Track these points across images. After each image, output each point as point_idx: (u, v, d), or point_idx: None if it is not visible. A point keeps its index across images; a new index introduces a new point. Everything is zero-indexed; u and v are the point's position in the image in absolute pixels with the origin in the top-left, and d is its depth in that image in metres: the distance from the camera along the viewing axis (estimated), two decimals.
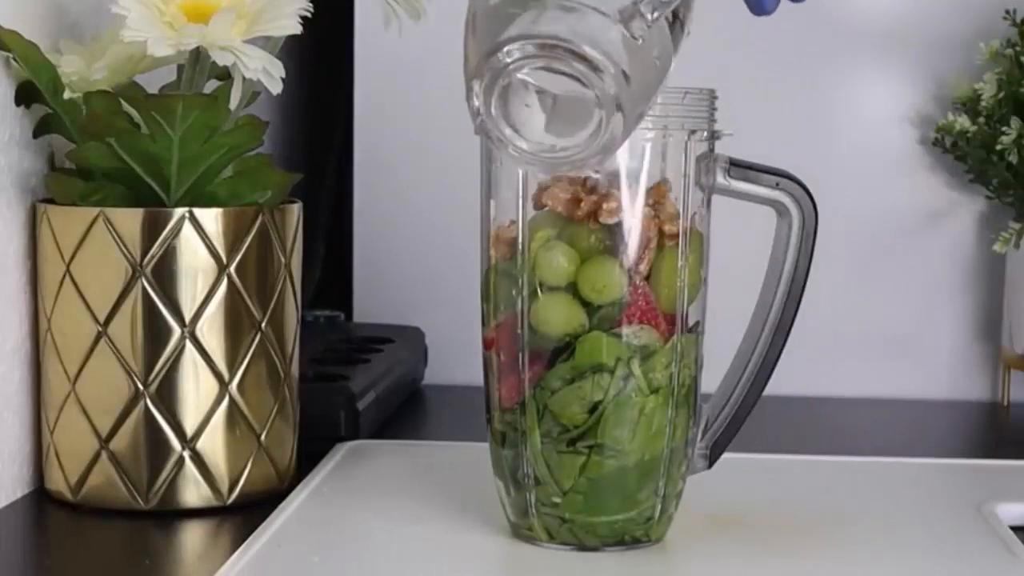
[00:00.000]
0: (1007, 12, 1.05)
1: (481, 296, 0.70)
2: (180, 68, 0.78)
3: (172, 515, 0.75)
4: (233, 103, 0.74)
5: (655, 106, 0.65)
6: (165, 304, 0.74)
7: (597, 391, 0.66)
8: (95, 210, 0.74)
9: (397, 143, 1.14)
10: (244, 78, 0.73)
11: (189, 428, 0.75)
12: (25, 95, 0.77)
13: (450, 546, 0.70)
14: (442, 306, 1.12)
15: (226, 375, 0.76)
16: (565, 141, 0.60)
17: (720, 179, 0.68)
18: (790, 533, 0.72)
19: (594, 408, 0.67)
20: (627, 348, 0.66)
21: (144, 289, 0.74)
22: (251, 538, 0.70)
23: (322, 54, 1.24)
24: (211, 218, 0.75)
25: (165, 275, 0.74)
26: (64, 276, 0.75)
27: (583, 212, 0.66)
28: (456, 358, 1.07)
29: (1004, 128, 1.02)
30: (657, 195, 0.67)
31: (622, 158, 0.66)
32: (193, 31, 0.71)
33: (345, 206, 1.17)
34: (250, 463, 0.77)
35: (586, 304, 0.66)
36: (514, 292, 0.67)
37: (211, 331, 0.75)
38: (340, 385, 0.91)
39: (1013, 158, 1.02)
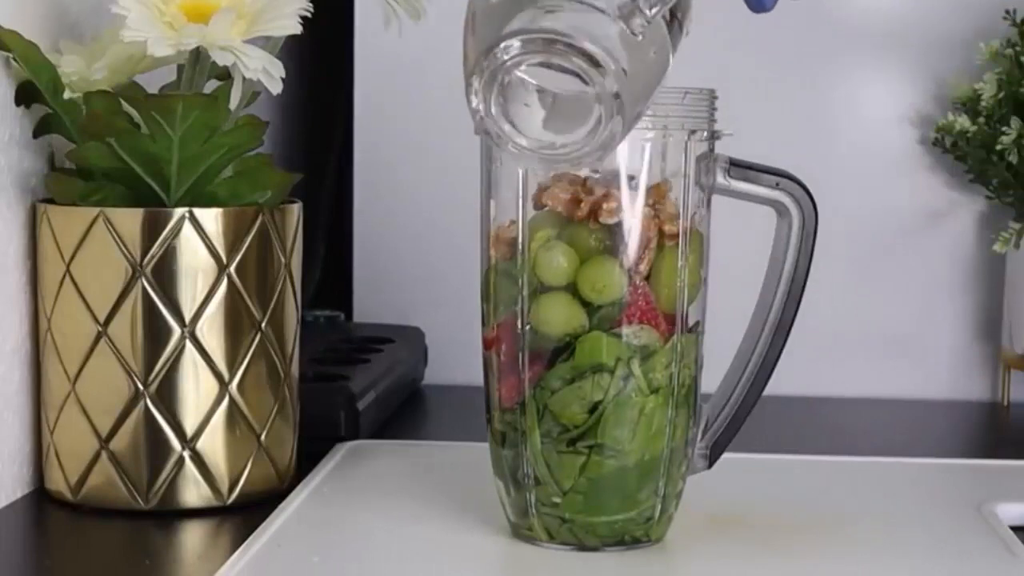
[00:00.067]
0: (1007, 12, 1.05)
1: (481, 296, 0.70)
2: (180, 68, 0.78)
3: (172, 515, 0.75)
4: (233, 103, 0.74)
5: (655, 106, 0.65)
6: (165, 304, 0.74)
7: (597, 391, 0.66)
8: (95, 210, 0.74)
9: (397, 143, 1.14)
10: (244, 78, 0.73)
11: (189, 428, 0.75)
12: (25, 95, 0.77)
13: (450, 546, 0.70)
14: (442, 306, 1.12)
15: (226, 375, 0.76)
16: (564, 138, 0.60)
17: (720, 179, 0.68)
18: (790, 533, 0.72)
19: (594, 408, 0.67)
20: (627, 348, 0.66)
21: (144, 289, 0.74)
22: (251, 538, 0.70)
23: (322, 54, 1.24)
24: (211, 218, 0.75)
25: (165, 275, 0.74)
26: (64, 276, 0.75)
27: (583, 212, 0.66)
28: (456, 358, 1.07)
29: (1004, 128, 1.02)
30: (657, 195, 0.67)
31: (622, 158, 0.66)
32: (193, 31, 0.71)
33: (345, 206, 1.17)
34: (250, 463, 0.77)
35: (586, 304, 0.66)
36: (514, 292, 0.67)
37: (211, 331, 0.75)
38: (340, 385, 0.91)
39: (1013, 158, 1.02)
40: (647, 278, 0.67)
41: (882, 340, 1.12)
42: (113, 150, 0.74)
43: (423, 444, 0.92)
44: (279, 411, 0.78)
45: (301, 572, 0.67)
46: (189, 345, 0.75)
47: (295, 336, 0.80)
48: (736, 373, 0.71)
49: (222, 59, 0.72)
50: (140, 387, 0.75)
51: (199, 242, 0.75)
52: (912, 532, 0.74)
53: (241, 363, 0.76)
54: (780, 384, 0.73)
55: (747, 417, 0.71)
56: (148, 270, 0.74)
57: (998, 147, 1.03)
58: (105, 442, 0.75)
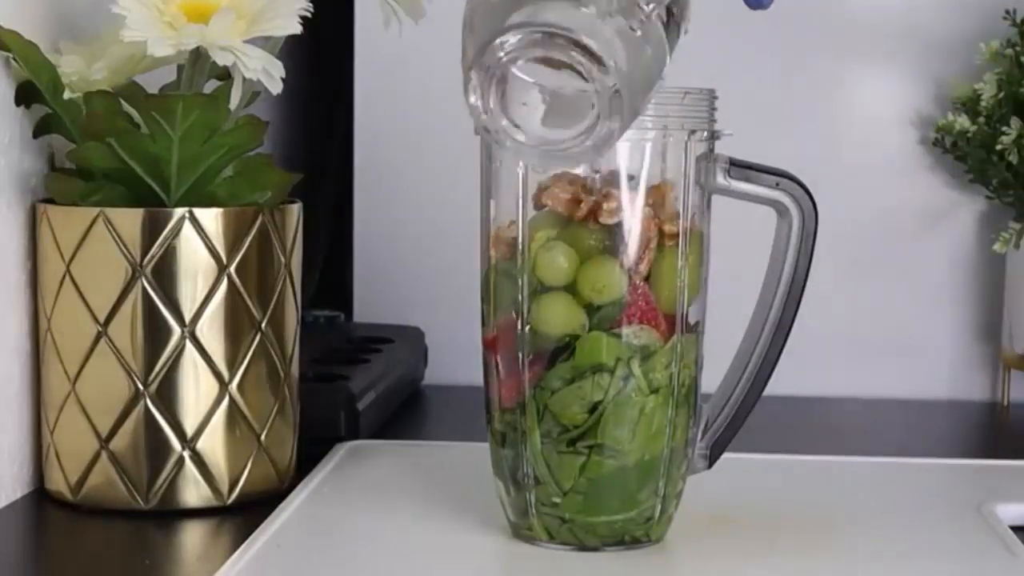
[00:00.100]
0: (1007, 12, 1.05)
1: (481, 296, 0.70)
2: (180, 68, 0.78)
3: (172, 515, 0.75)
4: (233, 103, 0.74)
5: (655, 106, 0.65)
6: (165, 304, 0.74)
7: (597, 391, 0.66)
8: (95, 210, 0.74)
9: (397, 143, 1.14)
10: (244, 78, 0.73)
11: (189, 428, 0.75)
12: (25, 95, 0.77)
13: (450, 546, 0.70)
14: (442, 306, 1.12)
15: (226, 375, 0.76)
16: (562, 134, 0.60)
17: (720, 179, 0.68)
18: (790, 533, 0.72)
19: (594, 408, 0.67)
20: (627, 348, 0.66)
21: (144, 289, 0.74)
22: (251, 538, 0.70)
23: (322, 54, 1.24)
24: (211, 218, 0.75)
25: (165, 275, 0.74)
26: (64, 276, 0.75)
27: (583, 212, 0.66)
28: (456, 358, 1.07)
29: (1004, 128, 1.02)
30: (657, 195, 0.67)
31: (622, 158, 0.66)
32: (193, 31, 0.71)
33: (345, 206, 1.17)
34: (250, 463, 0.77)
35: (586, 304, 0.66)
36: (514, 292, 0.67)
37: (211, 331, 0.75)
38: (340, 385, 0.91)
39: (1013, 158, 1.02)
40: (647, 278, 0.67)
41: (882, 340, 1.12)
42: (113, 150, 0.74)
43: (423, 444, 0.92)
44: (279, 411, 0.78)
45: (301, 572, 0.67)
46: (189, 345, 0.75)
47: (295, 336, 0.80)
48: (736, 373, 0.71)
49: (222, 59, 0.72)
50: (140, 387, 0.75)
51: (199, 242, 0.75)
52: (912, 532, 0.74)
53: (241, 363, 0.76)
54: (780, 384, 0.73)
55: (747, 417, 0.71)
56: (148, 270, 0.74)
57: (998, 147, 1.03)
58: (105, 442, 0.75)
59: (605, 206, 0.66)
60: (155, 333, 0.74)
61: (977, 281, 1.12)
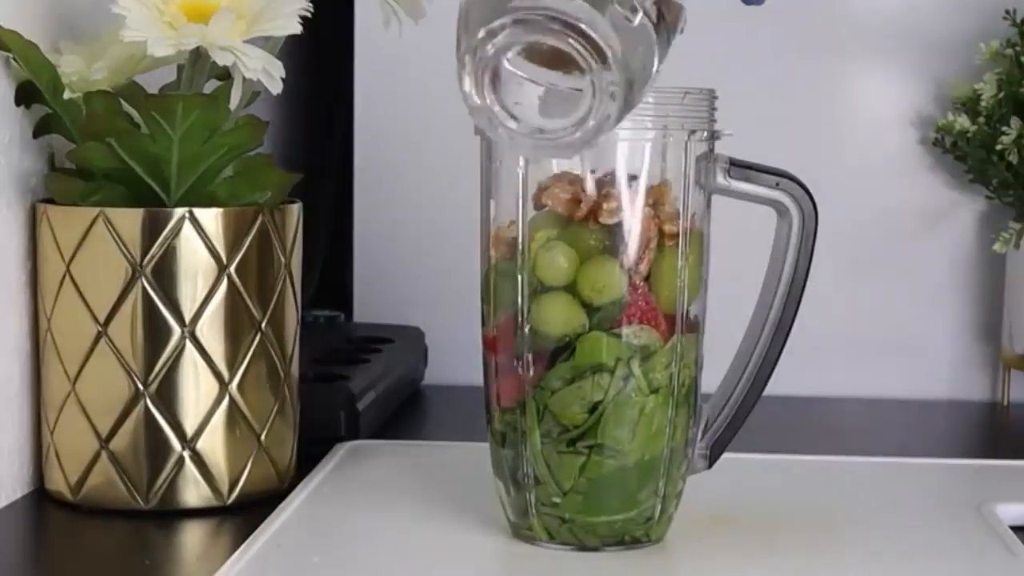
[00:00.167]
0: (1007, 12, 1.05)
1: (481, 296, 0.70)
2: (180, 68, 0.78)
3: (172, 515, 0.75)
4: (233, 103, 0.74)
5: (655, 106, 0.65)
6: (165, 304, 0.74)
7: (597, 391, 0.66)
8: (95, 210, 0.74)
9: (397, 143, 1.14)
10: (244, 78, 0.73)
11: (189, 428, 0.75)
12: (25, 95, 0.77)
13: (450, 546, 0.70)
14: (442, 306, 1.12)
15: (226, 375, 0.76)
16: (555, 123, 0.60)
17: (720, 179, 0.68)
18: (790, 533, 0.72)
19: (594, 408, 0.67)
20: (627, 348, 0.66)
21: (144, 289, 0.74)
22: (251, 538, 0.70)
23: (322, 54, 1.24)
24: (211, 218, 0.75)
25: (165, 275, 0.74)
26: (64, 276, 0.75)
27: (583, 212, 0.66)
28: (456, 358, 1.07)
29: (1004, 128, 1.02)
30: (657, 195, 0.67)
31: (622, 158, 0.66)
32: (193, 31, 0.71)
33: (345, 206, 1.17)
34: (250, 463, 0.77)
35: (586, 304, 0.66)
36: (514, 292, 0.67)
37: (211, 331, 0.75)
38: (340, 385, 0.91)
39: (1013, 158, 1.02)
40: (647, 278, 0.67)
41: (882, 340, 1.12)
42: (113, 150, 0.74)
43: (423, 444, 0.92)
44: (279, 411, 0.78)
45: (301, 572, 0.67)
46: (189, 345, 0.75)
47: (295, 336, 0.80)
48: (736, 373, 0.71)
49: (222, 59, 0.72)
50: (140, 387, 0.75)
51: (199, 242, 0.75)
52: (912, 532, 0.74)
53: (241, 363, 0.76)
54: (780, 384, 0.73)
55: (747, 417, 0.71)
56: (148, 270, 0.74)
57: (998, 147, 1.03)
58: (105, 442, 0.75)
59: (605, 206, 0.66)
60: (155, 333, 0.74)
61: (977, 281, 1.12)
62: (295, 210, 0.80)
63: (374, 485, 0.80)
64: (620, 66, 0.59)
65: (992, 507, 0.77)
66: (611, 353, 0.66)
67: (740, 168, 0.68)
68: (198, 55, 0.75)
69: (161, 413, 0.75)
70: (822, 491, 0.82)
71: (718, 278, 0.70)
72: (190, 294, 0.75)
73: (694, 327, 0.69)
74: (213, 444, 0.76)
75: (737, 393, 0.71)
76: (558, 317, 0.67)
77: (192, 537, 0.74)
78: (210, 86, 0.76)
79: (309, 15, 0.74)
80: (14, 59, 0.76)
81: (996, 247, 1.04)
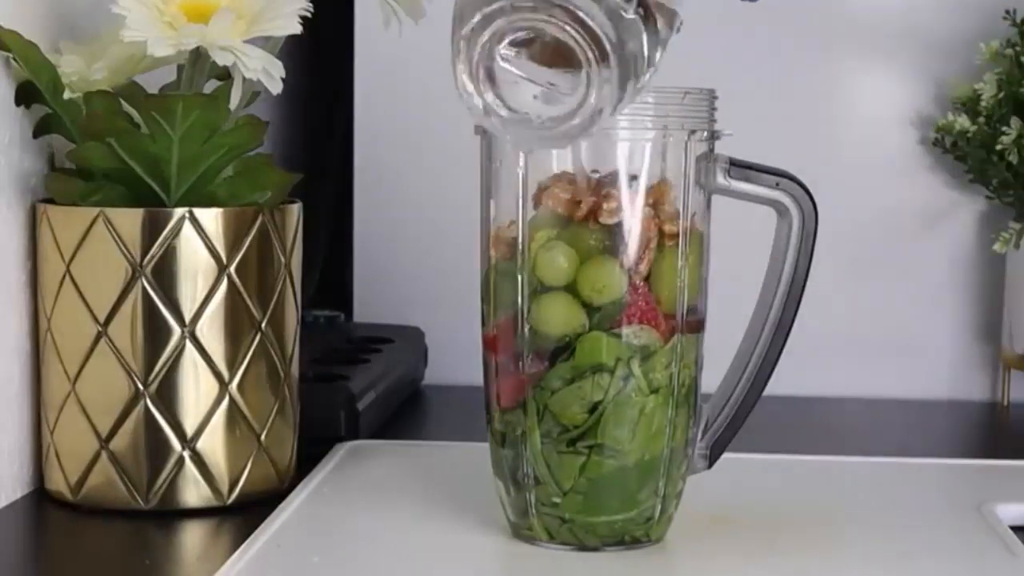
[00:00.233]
0: (1007, 12, 1.05)
1: (481, 296, 0.70)
2: (180, 68, 0.78)
3: (172, 515, 0.75)
4: (233, 103, 0.74)
5: (655, 106, 0.65)
6: (165, 304, 0.74)
7: (597, 391, 0.66)
8: (95, 210, 0.74)
9: (397, 143, 1.14)
10: (244, 78, 0.73)
11: (189, 428, 0.75)
12: (25, 95, 0.77)
13: (450, 546, 0.70)
14: (442, 306, 1.12)
15: (226, 375, 0.76)
16: (549, 111, 0.60)
17: (720, 179, 0.68)
18: (790, 533, 0.72)
19: (594, 408, 0.67)
20: (627, 348, 0.66)
21: (144, 289, 0.74)
22: (251, 538, 0.70)
23: (322, 54, 1.24)
24: (211, 218, 0.75)
25: (165, 275, 0.74)
26: (64, 276, 0.75)
27: (583, 212, 0.66)
28: (456, 358, 1.07)
29: (1004, 128, 1.02)
30: (657, 195, 0.67)
31: (622, 158, 0.66)
32: (193, 31, 0.71)
33: (345, 206, 1.17)
34: (250, 463, 0.77)
35: (586, 304, 0.66)
36: (514, 292, 0.67)
37: (211, 331, 0.75)
38: (340, 385, 0.91)
39: (1013, 158, 1.02)
40: (647, 278, 0.67)
41: (882, 340, 1.12)
42: (113, 150, 0.74)
43: (423, 444, 0.92)
44: (279, 411, 0.78)
45: (301, 572, 0.67)
46: (189, 345, 0.75)
47: (295, 336, 0.80)
48: (736, 373, 0.71)
49: (222, 59, 0.72)
50: (140, 387, 0.75)
51: (199, 242, 0.75)
52: (912, 532, 0.74)
53: (241, 363, 0.76)
54: (780, 384, 0.73)
55: (747, 417, 0.71)
56: (148, 270, 0.74)
57: (998, 147, 1.03)
58: (105, 442, 0.75)
59: (605, 206, 0.66)
60: (155, 333, 0.74)
61: (977, 281, 1.12)
62: (295, 210, 0.80)
63: (374, 485, 0.80)
64: (616, 56, 0.59)
65: (992, 507, 0.77)
66: (611, 353, 0.66)
67: (740, 168, 0.68)
68: (198, 55, 0.75)
69: (161, 413, 0.75)
70: (822, 491, 0.82)
71: (718, 278, 0.70)
72: (190, 294, 0.75)
73: (694, 327, 0.69)
74: (213, 444, 0.76)
75: (737, 393, 0.71)
76: (558, 317, 0.67)
77: (192, 537, 0.74)
78: (210, 86, 0.76)
79: (309, 15, 0.74)
80: (14, 59, 0.76)
81: (996, 247, 1.04)
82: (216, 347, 0.75)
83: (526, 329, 0.67)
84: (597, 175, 0.66)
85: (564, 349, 0.67)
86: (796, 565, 0.68)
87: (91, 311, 0.75)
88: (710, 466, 0.72)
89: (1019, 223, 1.04)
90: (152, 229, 0.74)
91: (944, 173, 1.11)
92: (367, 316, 1.15)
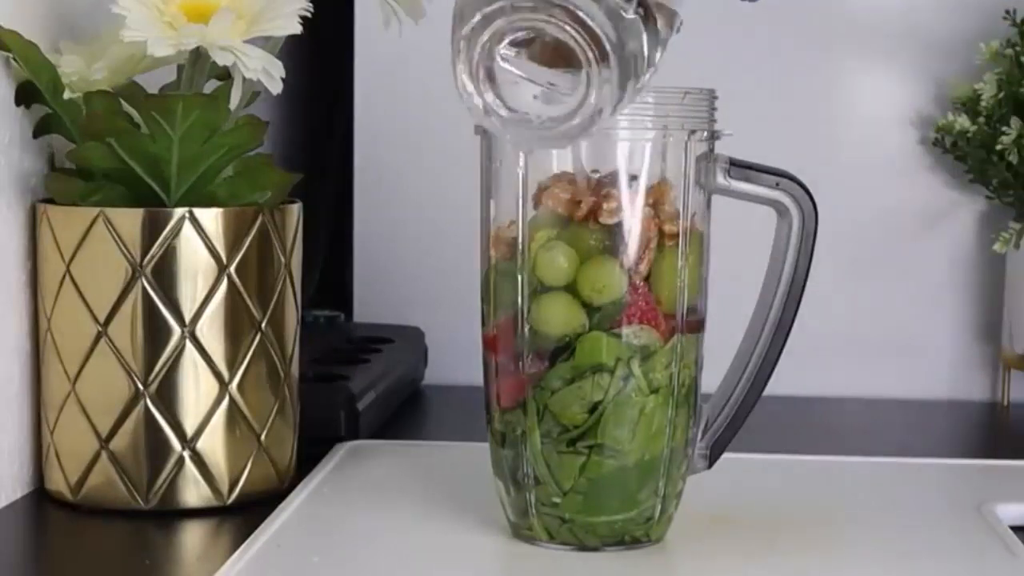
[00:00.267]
0: (1007, 12, 1.05)
1: (481, 296, 0.70)
2: (180, 68, 0.78)
3: (172, 515, 0.75)
4: (233, 103, 0.74)
5: (655, 106, 0.65)
6: (165, 304, 0.74)
7: (597, 391, 0.66)
8: (95, 210, 0.74)
9: (397, 143, 1.14)
10: (244, 78, 0.73)
11: (189, 428, 0.75)
12: (25, 95, 0.77)
13: (450, 546, 0.70)
14: (442, 306, 1.12)
15: (226, 375, 0.76)
16: (549, 111, 0.60)
17: (720, 179, 0.68)
18: (790, 533, 0.72)
19: (594, 408, 0.67)
20: (627, 348, 0.66)
21: (144, 289, 0.74)
22: (251, 538, 0.70)
23: (322, 54, 1.24)
24: (211, 218, 0.75)
25: (165, 275, 0.74)
26: (64, 276, 0.75)
27: (583, 212, 0.66)
28: (456, 358, 1.07)
29: (1004, 128, 1.02)
30: (657, 195, 0.67)
31: (622, 158, 0.66)
32: (193, 31, 0.71)
33: (345, 206, 1.17)
34: (250, 463, 0.77)
35: (586, 304, 0.66)
36: (514, 292, 0.67)
37: (211, 331, 0.75)
38: (340, 385, 0.91)
39: (1013, 158, 1.02)
40: (647, 278, 0.67)
41: (882, 340, 1.12)
42: (113, 150, 0.74)
43: (423, 444, 0.92)
44: (279, 411, 0.78)
45: (301, 572, 0.67)
46: (189, 345, 0.75)
47: (295, 336, 0.80)
48: (736, 373, 0.71)
49: (222, 59, 0.72)
50: (140, 387, 0.75)
51: (199, 242, 0.75)
52: (912, 532, 0.74)
53: (241, 363, 0.76)
54: (780, 384, 0.73)
55: (747, 417, 0.71)
56: (148, 270, 0.74)
57: (998, 147, 1.03)
58: (105, 442, 0.75)
59: (605, 206, 0.66)
60: (155, 333, 0.74)
61: (977, 281, 1.12)
62: (295, 210, 0.80)
63: (374, 485, 0.80)
64: (616, 56, 0.59)
65: (992, 507, 0.77)
66: (611, 353, 0.66)
67: (740, 168, 0.68)
68: (198, 55, 0.75)
69: (161, 413, 0.75)
70: (822, 491, 0.82)
71: (718, 278, 0.70)
72: (190, 294, 0.75)
73: (694, 327, 0.69)
74: (213, 444, 0.76)
75: (737, 393, 0.71)
76: (558, 317, 0.67)
77: (192, 537, 0.74)
78: (210, 86, 0.76)
79: (309, 15, 0.74)
80: (14, 59, 0.76)
81: (996, 247, 1.04)
82: (216, 347, 0.75)
83: (526, 329, 0.67)
84: (597, 175, 0.66)
85: (564, 349, 0.67)
86: (796, 565, 0.68)
87: (91, 311, 0.75)
88: (710, 466, 0.72)
89: (1019, 223, 1.04)
90: (152, 229, 0.74)
91: (944, 173, 1.11)
92: (367, 316, 1.15)
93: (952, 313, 1.12)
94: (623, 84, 0.60)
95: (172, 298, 0.74)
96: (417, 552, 0.70)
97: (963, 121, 1.05)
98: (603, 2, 0.59)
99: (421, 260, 1.14)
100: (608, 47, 0.59)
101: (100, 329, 0.75)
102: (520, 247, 0.67)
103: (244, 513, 0.75)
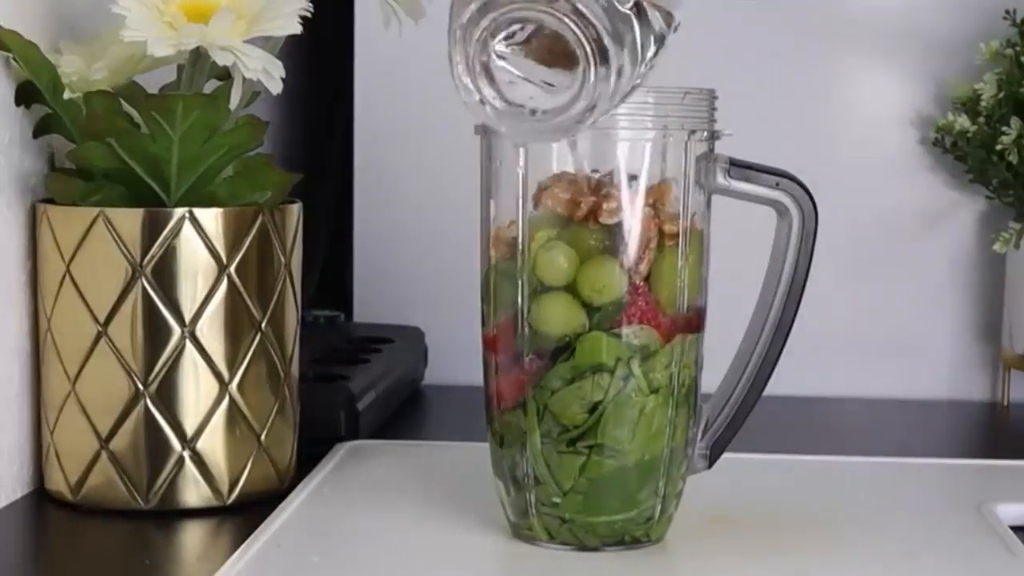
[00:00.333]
0: (1007, 12, 1.05)
1: (481, 296, 0.70)
2: (180, 68, 0.78)
3: (172, 515, 0.75)
4: (233, 103, 0.74)
5: (655, 106, 0.65)
6: (165, 304, 0.74)
7: (597, 391, 0.66)
8: (95, 210, 0.74)
9: (397, 143, 1.14)
10: (244, 78, 0.73)
11: (189, 428, 0.75)
12: (25, 95, 0.77)
13: (450, 546, 0.70)
14: (442, 306, 1.12)
15: (226, 375, 0.76)
16: (545, 103, 0.60)
17: (720, 179, 0.68)
18: (790, 533, 0.72)
19: (594, 408, 0.67)
20: (627, 348, 0.66)
21: (144, 289, 0.74)
22: (251, 538, 0.70)
23: (322, 54, 1.24)
24: (211, 218, 0.75)
25: (165, 275, 0.74)
26: (64, 276, 0.75)
27: (583, 212, 0.66)
28: (456, 358, 1.07)
29: (1004, 128, 1.02)
30: (657, 195, 0.67)
31: (622, 158, 0.66)
32: (193, 31, 0.71)
33: (345, 206, 1.17)
34: (250, 463, 0.77)
35: (586, 304, 0.66)
36: (514, 292, 0.67)
37: (211, 331, 0.75)
38: (340, 385, 0.91)
39: (1013, 158, 1.02)
40: (647, 278, 0.67)
41: (882, 340, 1.12)
42: (113, 150, 0.74)
43: (423, 444, 0.92)
44: (279, 411, 0.78)
45: (301, 572, 0.67)
46: (189, 345, 0.75)
47: (295, 336, 0.80)
48: (736, 373, 0.71)
49: (222, 59, 0.72)
50: (140, 387, 0.75)
51: (199, 242, 0.75)
52: (912, 532, 0.74)
53: (241, 363, 0.76)
54: (780, 384, 0.73)
55: (747, 417, 0.71)
56: (148, 270, 0.74)
57: (998, 147, 1.03)
58: (105, 442, 0.75)
59: (605, 206, 0.66)
60: (155, 333, 0.74)
61: (977, 281, 1.12)
62: (295, 210, 0.80)
63: (374, 485, 0.80)
64: (613, 50, 0.59)
65: (992, 507, 0.77)
66: (611, 353, 0.66)
67: (740, 168, 0.68)
68: (198, 55, 0.75)
69: (161, 413, 0.75)
70: (822, 491, 0.82)
71: (718, 278, 0.70)
72: (190, 294, 0.75)
73: (694, 327, 0.69)
74: (213, 444, 0.76)
75: (737, 393, 0.71)
76: (558, 317, 0.67)
77: (192, 537, 0.74)
78: (210, 86, 0.76)
79: (309, 15, 0.74)
80: (14, 59, 0.76)
81: (996, 247, 1.04)
82: (216, 347, 0.75)
83: (526, 329, 0.67)
84: (597, 175, 0.66)
85: (564, 349, 0.67)
86: (796, 565, 0.68)
87: (91, 311, 0.75)
88: (710, 466, 0.72)
89: (1019, 223, 1.04)
90: (152, 229, 0.74)
91: (944, 173, 1.11)
92: (367, 316, 1.15)
93: (952, 313, 1.12)
94: (619, 78, 0.60)
95: (172, 298, 0.74)
96: (417, 552, 0.70)
97: (963, 121, 1.05)
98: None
99: (421, 260, 1.14)
100: (606, 40, 0.59)
101: (100, 329, 0.75)
102: (520, 247, 0.67)
103: (244, 513, 0.75)
